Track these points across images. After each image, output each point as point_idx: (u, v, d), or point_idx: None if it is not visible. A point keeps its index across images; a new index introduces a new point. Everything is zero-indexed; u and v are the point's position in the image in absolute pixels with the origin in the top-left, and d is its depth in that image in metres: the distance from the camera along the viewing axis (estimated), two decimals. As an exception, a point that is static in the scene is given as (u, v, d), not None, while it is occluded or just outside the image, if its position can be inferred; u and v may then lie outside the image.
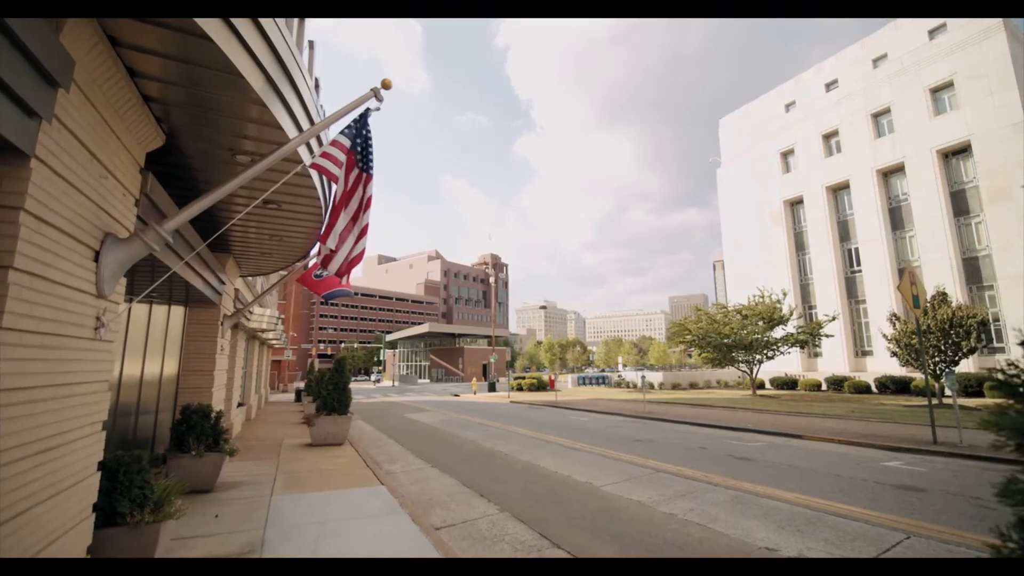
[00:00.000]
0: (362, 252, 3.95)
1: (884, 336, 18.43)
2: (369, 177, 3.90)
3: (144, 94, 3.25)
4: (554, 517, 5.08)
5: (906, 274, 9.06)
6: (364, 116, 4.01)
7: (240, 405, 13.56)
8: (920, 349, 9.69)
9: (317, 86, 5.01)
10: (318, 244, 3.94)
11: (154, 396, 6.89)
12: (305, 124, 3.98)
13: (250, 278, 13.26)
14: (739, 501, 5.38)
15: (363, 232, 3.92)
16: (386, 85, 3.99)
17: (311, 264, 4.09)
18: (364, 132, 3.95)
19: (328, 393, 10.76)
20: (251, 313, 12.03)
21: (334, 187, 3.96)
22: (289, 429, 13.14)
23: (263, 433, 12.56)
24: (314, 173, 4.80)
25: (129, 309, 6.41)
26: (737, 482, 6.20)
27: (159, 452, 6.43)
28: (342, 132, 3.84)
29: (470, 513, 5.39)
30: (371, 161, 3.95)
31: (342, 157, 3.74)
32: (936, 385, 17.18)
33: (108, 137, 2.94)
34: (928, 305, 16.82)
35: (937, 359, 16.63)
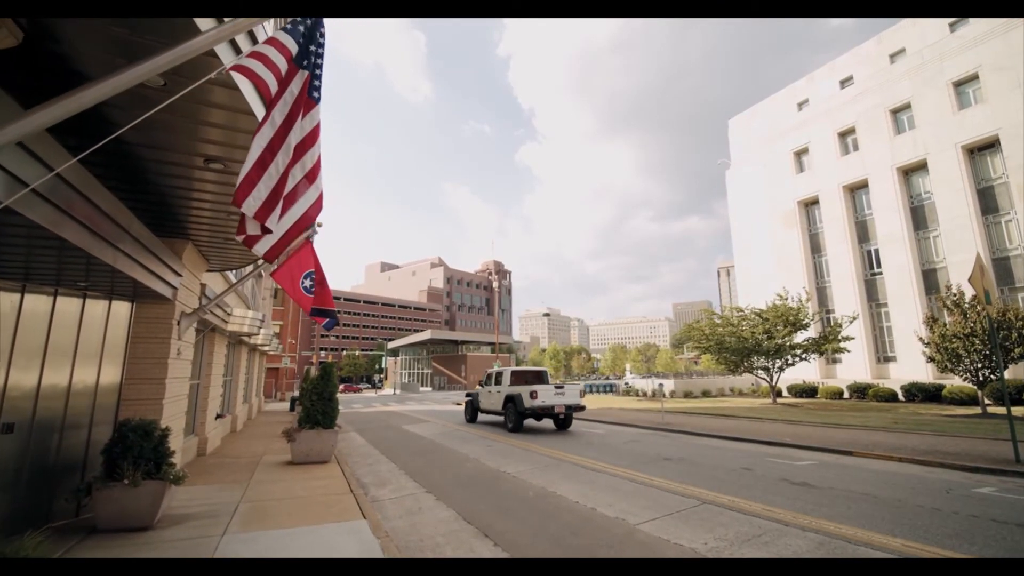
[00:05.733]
0: (319, 203, 2.77)
1: (920, 340, 17.11)
2: (314, 103, 2.74)
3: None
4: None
5: (976, 265, 7.81)
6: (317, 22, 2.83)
7: (219, 417, 12.33)
8: (995, 352, 8.42)
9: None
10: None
11: (87, 408, 5.66)
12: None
13: (232, 276, 12.08)
14: (829, 551, 4.08)
15: (313, 172, 2.74)
16: (352, -24, 2.82)
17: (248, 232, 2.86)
18: (317, 38, 2.77)
19: (312, 403, 9.52)
20: (230, 314, 10.82)
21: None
22: (274, 443, 11.88)
23: (243, 448, 11.32)
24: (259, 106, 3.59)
25: (53, 302, 5.23)
26: (813, 519, 4.89)
27: (91, 478, 5.18)
28: (283, 29, 2.66)
29: (472, 564, 4.11)
30: (319, 85, 2.79)
31: (281, 63, 2.56)
32: (980, 393, 15.83)
33: None
34: (968, 307, 15.55)
35: (980, 365, 15.33)
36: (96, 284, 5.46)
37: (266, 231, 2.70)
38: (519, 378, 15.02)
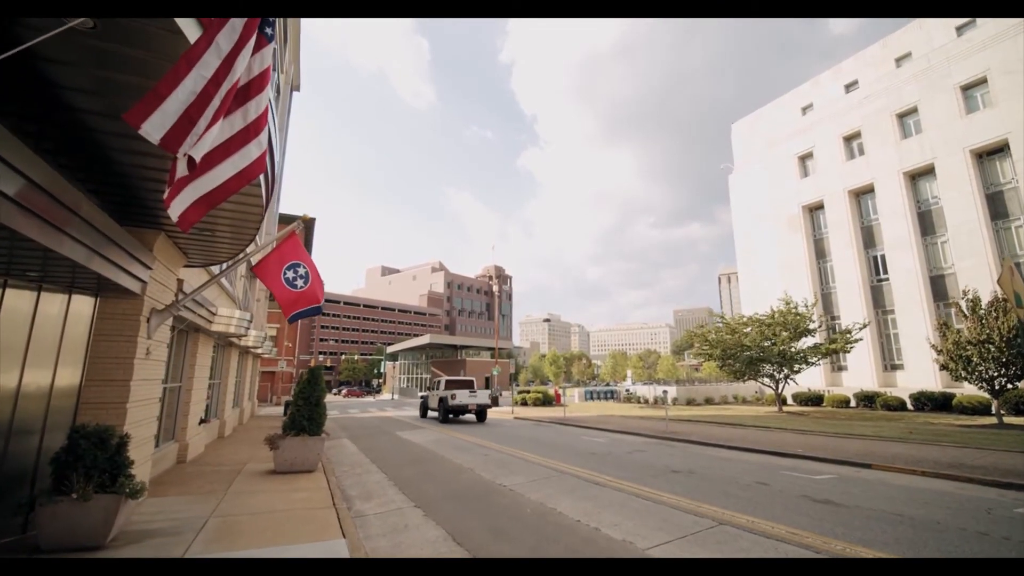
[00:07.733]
0: (259, 162, 2.26)
1: (932, 347, 16.54)
2: (266, 41, 2.24)
3: None
4: (587, 609, 3.28)
5: (1006, 267, 7.31)
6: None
7: (203, 422, 11.79)
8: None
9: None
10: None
11: (40, 412, 5.14)
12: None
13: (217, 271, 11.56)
14: (870, 585, 3.55)
15: (258, 125, 2.24)
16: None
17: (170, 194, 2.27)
18: None
19: (297, 408, 9.00)
20: (215, 314, 10.31)
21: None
22: (260, 450, 11.33)
23: (228, 455, 10.78)
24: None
25: (2, 294, 4.72)
26: (846, 545, 4.35)
27: (37, 491, 4.64)
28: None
29: (459, 596, 3.58)
30: (273, 21, 2.29)
31: None
32: (995, 403, 15.24)
33: None
34: (984, 312, 15.01)
35: (996, 373, 14.75)
36: (51, 275, 4.96)
37: (192, 175, 2.15)
38: (451, 385, 19.90)
